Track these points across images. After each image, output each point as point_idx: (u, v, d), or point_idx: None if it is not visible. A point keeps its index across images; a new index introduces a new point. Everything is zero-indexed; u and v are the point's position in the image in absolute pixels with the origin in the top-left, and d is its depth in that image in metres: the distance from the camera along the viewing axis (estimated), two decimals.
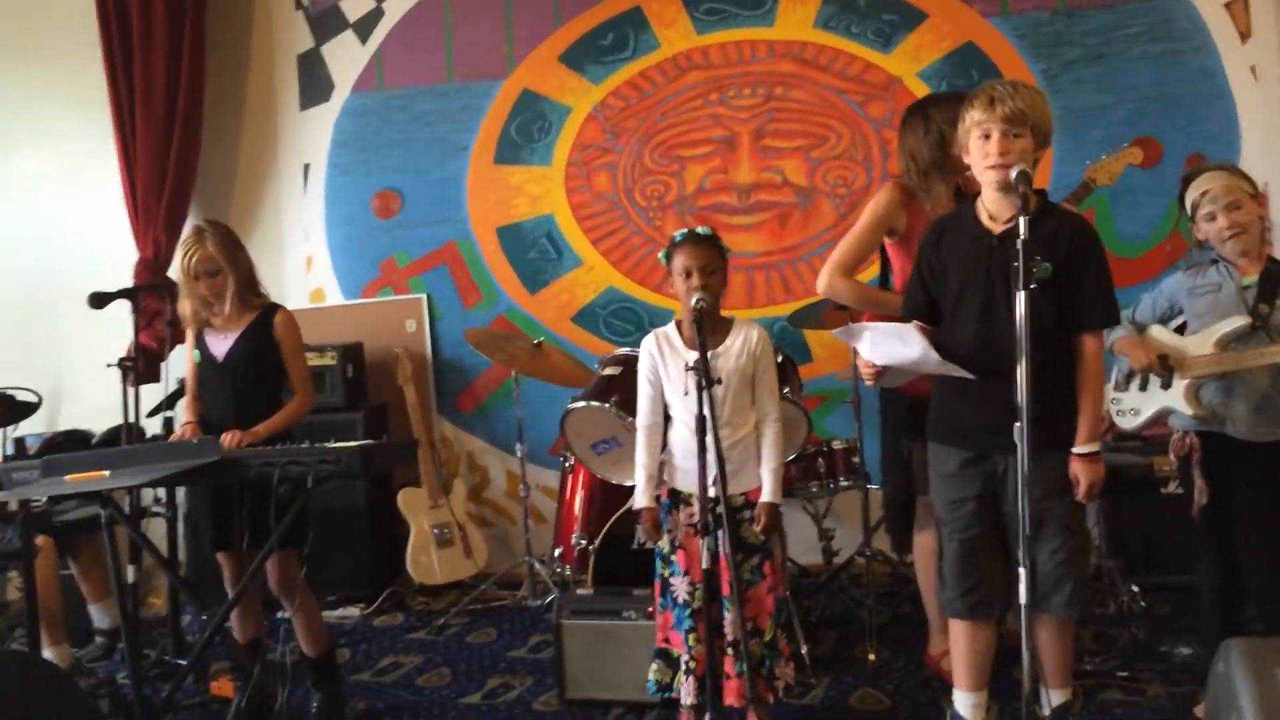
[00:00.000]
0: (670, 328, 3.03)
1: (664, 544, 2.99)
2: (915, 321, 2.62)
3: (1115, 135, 4.62)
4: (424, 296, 5.40)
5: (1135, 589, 3.80)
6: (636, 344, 3.17)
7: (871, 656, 3.70)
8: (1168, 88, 4.65)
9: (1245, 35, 4.60)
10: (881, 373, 2.66)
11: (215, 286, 3.37)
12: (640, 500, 2.99)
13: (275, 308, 3.47)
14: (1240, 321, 2.87)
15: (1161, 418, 3.06)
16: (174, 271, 3.50)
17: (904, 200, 3.19)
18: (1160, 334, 3.07)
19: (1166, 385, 3.01)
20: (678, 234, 2.99)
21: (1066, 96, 4.67)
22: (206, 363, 3.41)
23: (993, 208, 2.55)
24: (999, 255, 2.47)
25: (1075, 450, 2.51)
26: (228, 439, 3.18)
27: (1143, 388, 3.09)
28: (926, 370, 2.61)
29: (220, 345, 3.40)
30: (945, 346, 2.57)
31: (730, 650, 2.86)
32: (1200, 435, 2.96)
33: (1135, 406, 3.09)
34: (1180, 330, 3.05)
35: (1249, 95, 4.59)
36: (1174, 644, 3.52)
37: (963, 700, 2.71)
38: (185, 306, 3.42)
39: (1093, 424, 2.53)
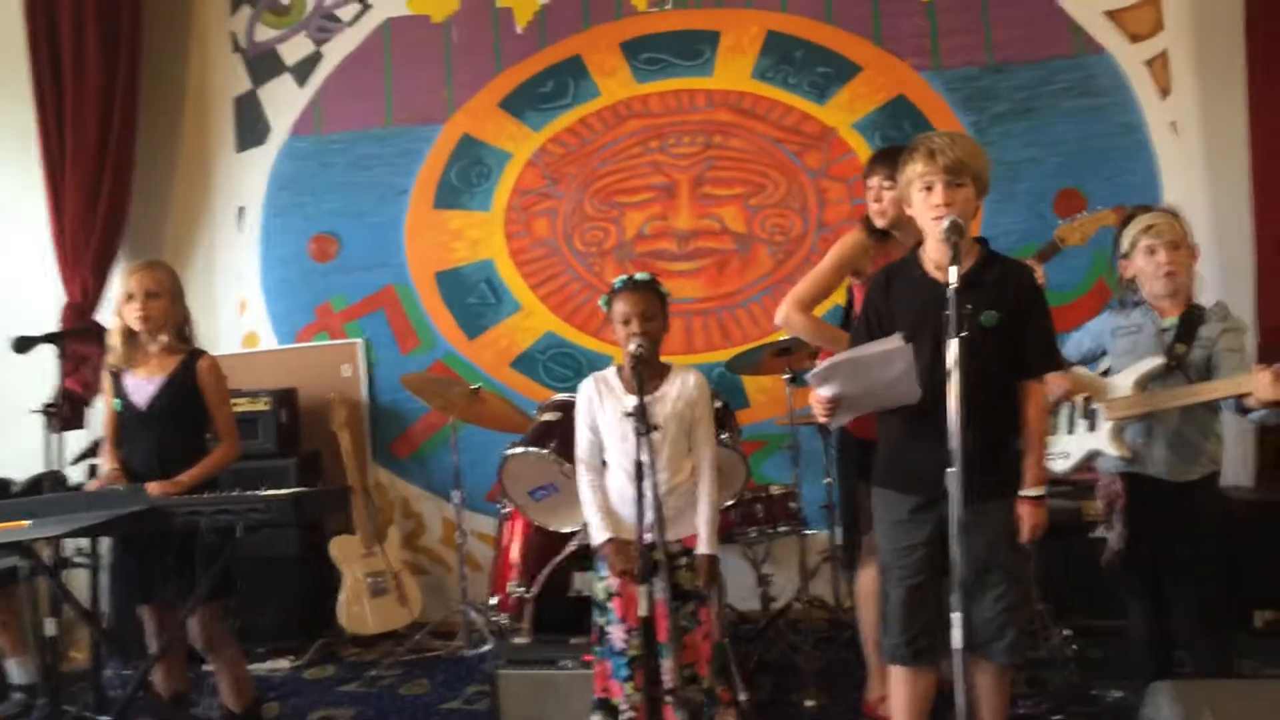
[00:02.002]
0: (610, 371, 3.03)
1: (599, 591, 2.97)
2: (899, 336, 2.51)
3: (1042, 188, 4.78)
4: (360, 341, 5.34)
5: (1067, 633, 3.84)
6: (575, 389, 3.15)
7: (809, 703, 3.69)
8: (1092, 141, 4.80)
9: (1165, 91, 4.77)
10: (835, 409, 2.65)
11: (149, 309, 3.30)
12: (599, 535, 2.94)
13: (199, 353, 3.41)
14: (1157, 361, 2.94)
15: (1090, 460, 3.11)
16: (103, 314, 3.43)
17: (871, 243, 3.25)
18: (1083, 374, 3.14)
19: (1093, 428, 3.07)
20: (617, 280, 2.99)
21: (996, 149, 4.78)
22: (128, 410, 3.33)
23: (937, 257, 2.58)
24: (948, 304, 2.49)
25: (1022, 493, 2.54)
26: (153, 489, 3.10)
27: (1070, 431, 3.15)
28: (885, 398, 2.60)
29: (142, 392, 3.32)
30: (891, 405, 2.60)
31: (669, 698, 2.83)
32: (1126, 478, 3.01)
33: (1065, 450, 3.14)
34: (1105, 374, 3.12)
35: (1170, 149, 4.75)
36: (1105, 687, 3.57)
37: None
38: (114, 338, 3.35)
39: (1038, 467, 2.57)
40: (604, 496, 2.99)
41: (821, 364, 2.61)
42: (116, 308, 3.38)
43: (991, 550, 2.52)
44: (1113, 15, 4.82)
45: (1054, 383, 3.06)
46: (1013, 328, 2.54)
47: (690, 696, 2.85)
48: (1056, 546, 4.04)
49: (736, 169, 5.10)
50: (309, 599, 4.81)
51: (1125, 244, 3.08)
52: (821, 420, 2.69)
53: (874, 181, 3.25)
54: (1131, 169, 4.76)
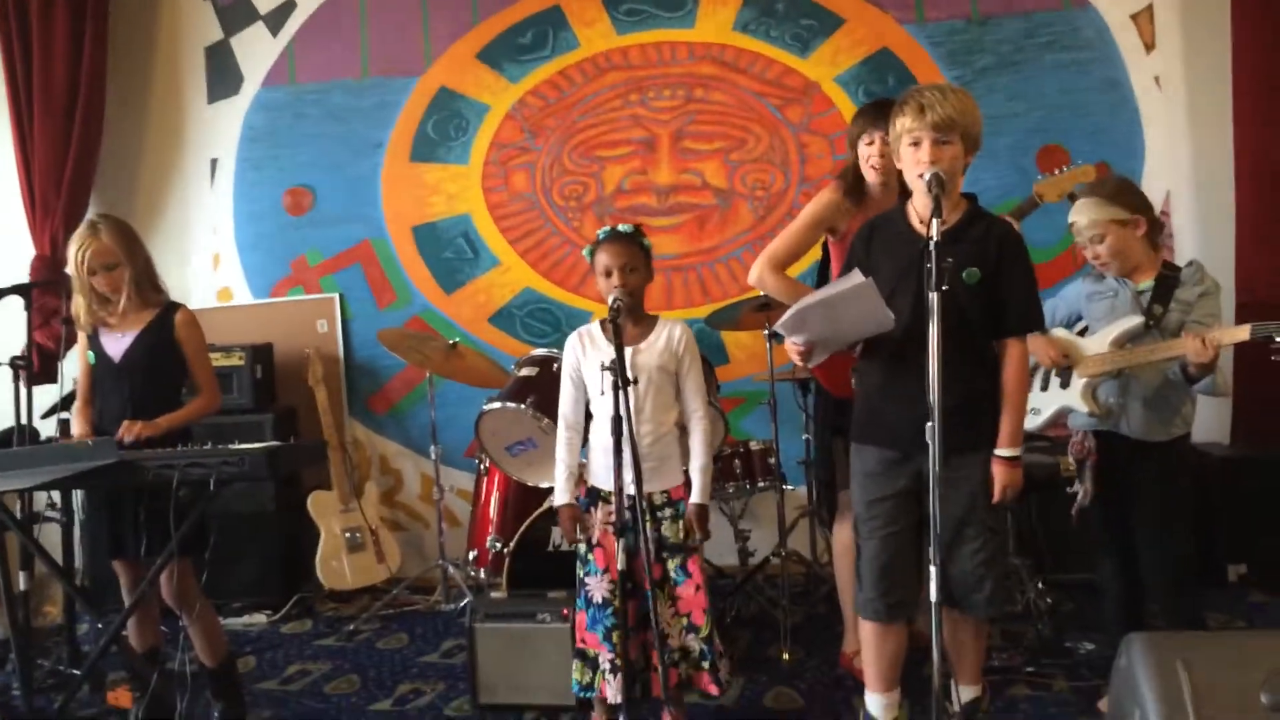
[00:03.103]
0: (594, 325, 3.00)
1: (582, 545, 2.96)
2: (868, 278, 2.46)
3: (1025, 143, 4.75)
4: (336, 296, 5.28)
5: (1041, 586, 3.87)
6: (554, 345, 3.15)
7: (786, 656, 3.71)
8: (1075, 96, 4.76)
9: (1150, 46, 4.73)
10: (810, 351, 2.64)
11: (112, 281, 3.23)
12: (560, 498, 2.95)
13: (175, 306, 3.34)
14: (1135, 320, 2.95)
15: (1061, 417, 3.12)
16: (69, 267, 3.35)
17: (846, 201, 3.21)
18: (1061, 334, 3.14)
19: (1065, 384, 3.08)
20: (601, 231, 2.97)
21: (980, 104, 4.70)
22: (101, 364, 3.27)
23: (923, 211, 2.55)
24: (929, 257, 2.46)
25: (996, 452, 2.53)
26: (126, 429, 3.06)
27: (1044, 388, 3.15)
28: (858, 332, 2.58)
29: (116, 345, 3.26)
30: (876, 344, 2.58)
31: (657, 644, 2.82)
32: (1097, 436, 3.03)
33: (1036, 406, 3.15)
34: (1082, 334, 3.12)
35: (1153, 105, 4.72)
36: (1078, 640, 3.60)
37: (875, 702, 2.72)
38: (78, 304, 3.27)
39: (1014, 428, 2.55)
40: (576, 456, 2.98)
41: (789, 312, 2.58)
42: (75, 282, 3.27)
43: (969, 504, 2.51)
44: None
45: (1043, 351, 3.05)
46: (994, 285, 2.52)
47: (689, 645, 2.86)
48: (1032, 501, 4.06)
49: (717, 123, 5.04)
50: (286, 554, 4.79)
51: None
52: (798, 364, 2.68)
53: (873, 139, 3.17)
54: (1114, 124, 4.73)
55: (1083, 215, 3.01)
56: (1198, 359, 2.74)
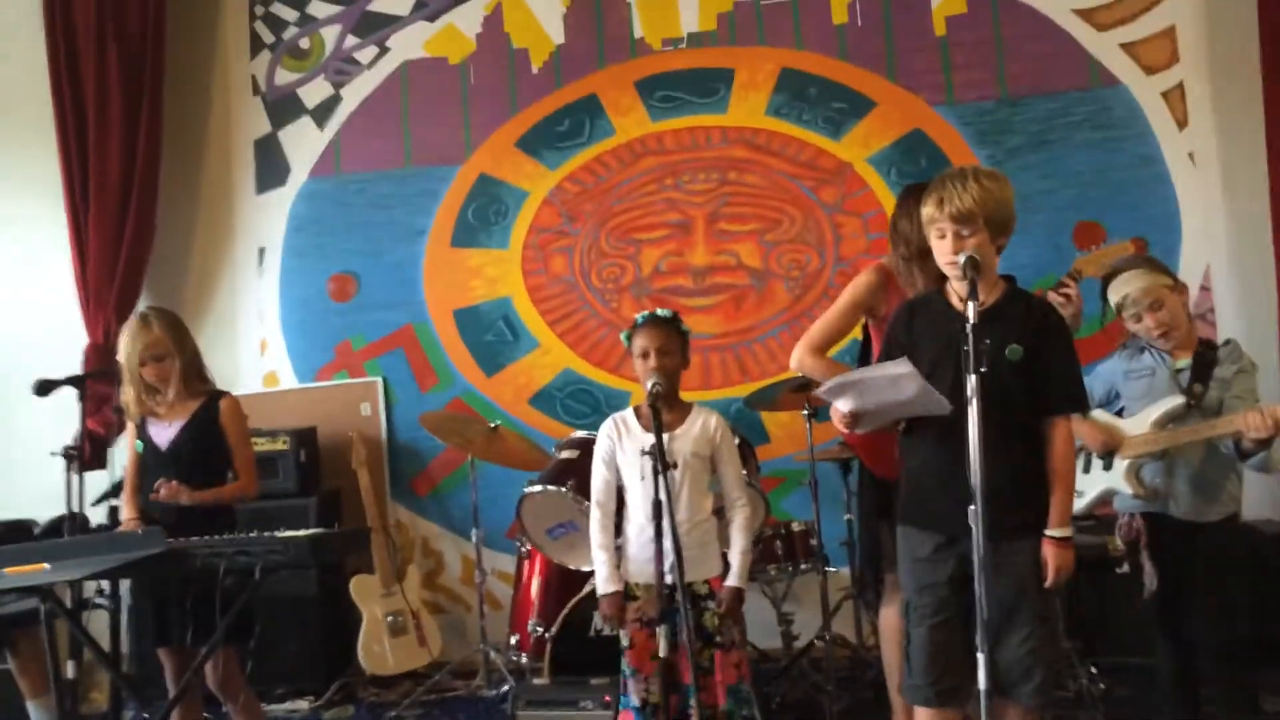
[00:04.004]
0: (628, 412, 3.03)
1: (624, 639, 2.94)
2: (905, 360, 2.49)
3: (1060, 220, 4.77)
4: (379, 380, 5.36)
5: (1094, 670, 3.78)
6: (594, 426, 3.16)
7: None
8: (1109, 173, 4.79)
9: (1182, 123, 4.76)
10: (857, 420, 2.64)
11: (161, 372, 3.32)
12: (604, 586, 2.94)
13: (220, 394, 3.42)
14: (1176, 401, 2.93)
15: (1105, 499, 3.08)
16: (120, 357, 3.44)
17: (885, 283, 3.23)
18: (1102, 416, 3.11)
19: (1108, 467, 3.05)
20: (639, 316, 3.01)
21: (1012, 182, 4.74)
22: (150, 452, 3.35)
23: (961, 291, 2.56)
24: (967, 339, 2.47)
25: (1047, 533, 2.49)
26: (165, 485, 3.11)
27: (1086, 470, 3.12)
28: (908, 409, 2.57)
29: (164, 434, 3.34)
30: (919, 424, 2.58)
31: None
32: (1146, 517, 2.99)
33: (1079, 489, 3.11)
34: (1119, 415, 3.10)
35: (1188, 180, 4.74)
36: None
37: None
38: (128, 394, 3.36)
39: (1064, 507, 2.51)
40: (611, 538, 2.98)
41: (829, 382, 2.59)
42: (125, 372, 3.37)
43: (1018, 591, 2.47)
44: (1128, 47, 4.83)
45: (1090, 436, 3.03)
46: (1037, 363, 2.51)
47: None
48: (1082, 583, 3.99)
49: (752, 205, 5.11)
50: (328, 639, 4.79)
51: (1114, 307, 3.07)
52: (842, 432, 2.66)
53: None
54: (1150, 200, 4.75)
55: (1134, 284, 2.99)
56: (1256, 433, 2.70)
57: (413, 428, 5.17)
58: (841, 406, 2.60)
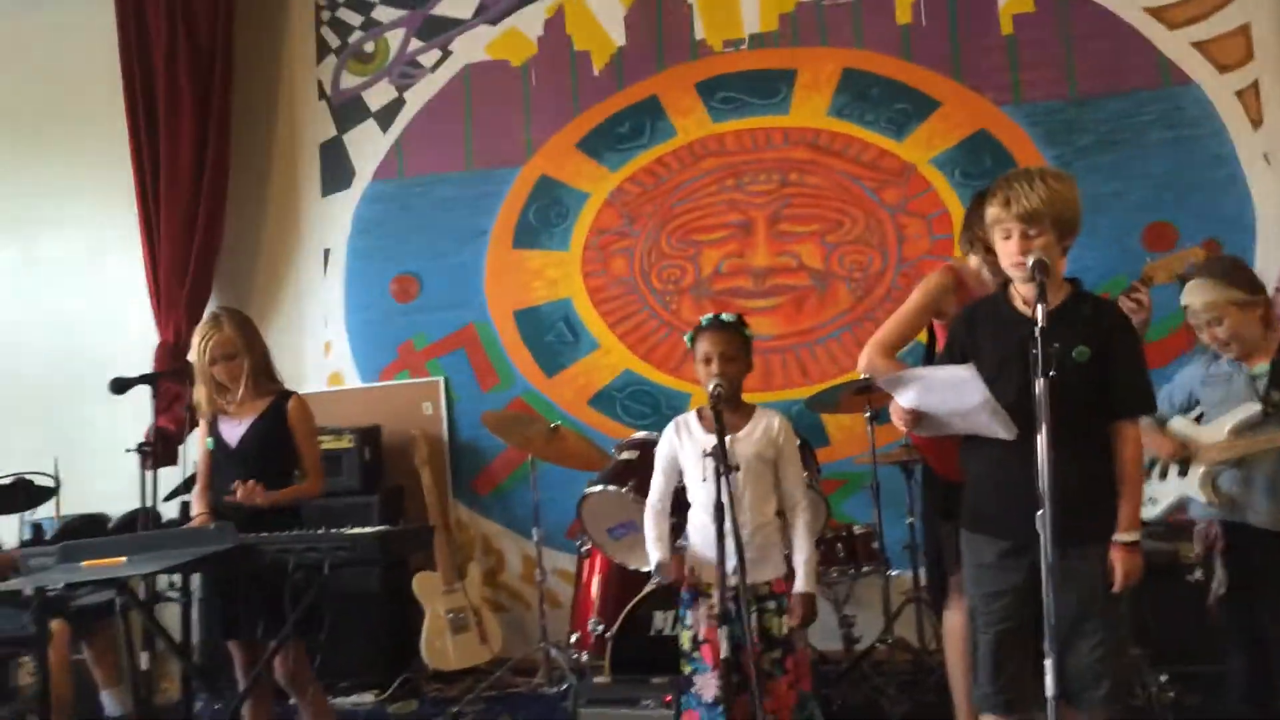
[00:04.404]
0: (691, 415, 3.03)
1: (685, 639, 2.94)
2: (972, 365, 2.46)
3: (1129, 222, 4.69)
4: (441, 379, 5.42)
5: (1164, 678, 3.71)
6: (653, 427, 3.18)
7: None
8: (1181, 174, 4.70)
9: (1257, 123, 4.66)
10: (918, 419, 2.61)
11: (231, 371, 3.39)
12: (656, 555, 2.95)
13: (289, 394, 3.49)
14: (1253, 408, 2.87)
15: (1179, 506, 3.03)
16: (191, 356, 3.53)
17: (955, 284, 3.20)
18: (1179, 424, 3.06)
19: (1184, 473, 2.99)
20: (703, 319, 2.99)
21: (1080, 183, 4.61)
22: (220, 450, 3.42)
23: (1026, 292, 2.53)
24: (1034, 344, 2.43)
25: (1115, 538, 2.45)
26: (241, 488, 3.19)
27: (1162, 476, 3.06)
28: (966, 424, 2.54)
29: (233, 432, 3.42)
30: (981, 431, 2.55)
31: None
32: (1224, 524, 2.93)
33: (1153, 495, 3.06)
34: (1198, 421, 3.04)
35: (1263, 181, 4.63)
36: None
37: None
38: (200, 393, 3.43)
39: (1133, 511, 2.46)
40: (665, 528, 2.99)
41: (890, 375, 2.56)
42: (197, 371, 3.45)
43: (1088, 597, 2.43)
44: (1200, 45, 4.73)
45: (1161, 446, 2.98)
46: (1104, 366, 2.47)
47: None
48: (1153, 590, 3.91)
49: (813, 206, 5.09)
50: (392, 634, 4.87)
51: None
52: (900, 429, 2.63)
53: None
54: (1223, 201, 4.65)
55: (1197, 297, 2.95)
56: None
57: (474, 427, 5.22)
58: (901, 401, 2.57)
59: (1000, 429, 2.42)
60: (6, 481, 4.38)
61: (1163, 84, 4.74)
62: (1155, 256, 3.49)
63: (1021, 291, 2.55)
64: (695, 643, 2.91)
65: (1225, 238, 4.50)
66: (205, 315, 3.52)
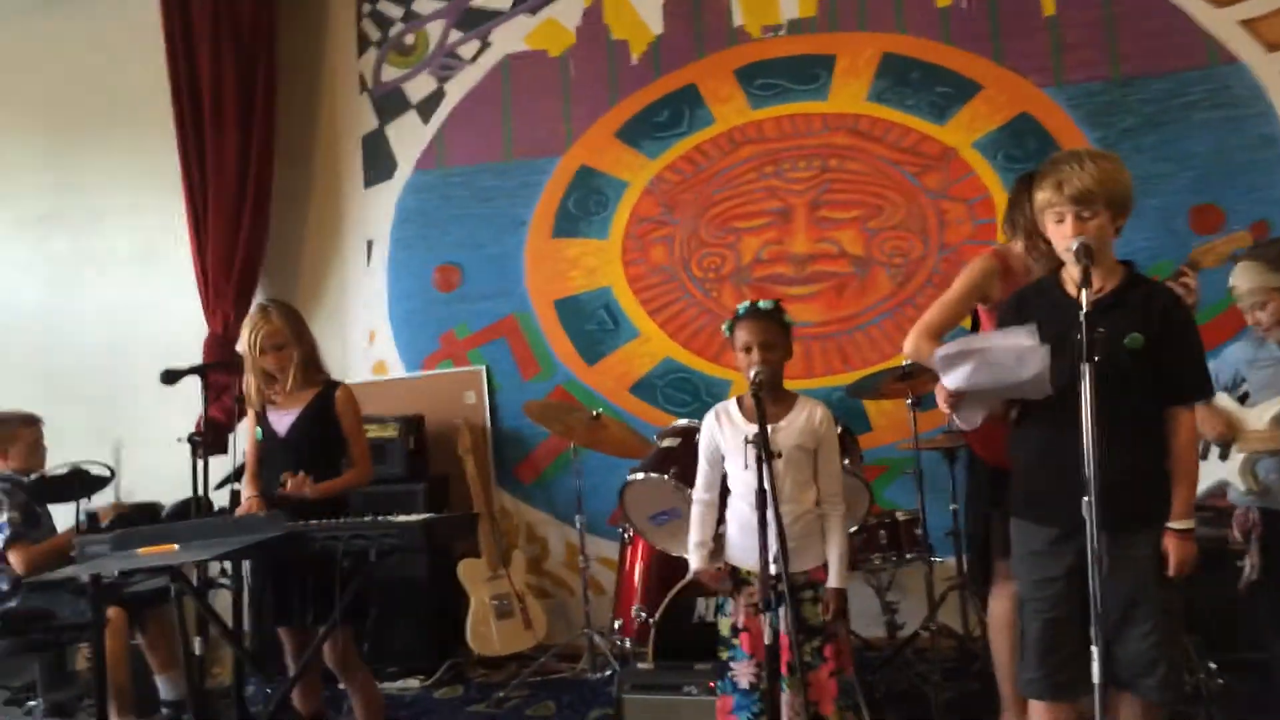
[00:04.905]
0: (731, 402, 3.03)
1: (724, 626, 2.96)
2: (1036, 337, 2.40)
3: (1176, 204, 4.62)
4: (483, 368, 5.47)
5: (1213, 666, 3.68)
6: (694, 415, 3.19)
7: None
8: (1228, 155, 4.62)
9: None
10: (958, 402, 2.58)
11: (280, 361, 3.46)
12: (696, 564, 2.96)
13: (336, 384, 3.55)
14: None
15: (1218, 490, 3.00)
16: (240, 347, 3.59)
17: (1000, 269, 3.18)
18: (1225, 401, 3.02)
19: (1224, 457, 2.96)
20: (741, 307, 2.97)
21: (1125, 164, 4.64)
22: (269, 439, 3.49)
23: (1078, 277, 2.50)
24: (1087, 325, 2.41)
25: (1169, 525, 2.43)
26: (291, 480, 3.24)
27: (1203, 457, 3.03)
28: (1018, 390, 2.49)
29: (282, 422, 3.48)
30: (1033, 415, 2.53)
31: None
32: (1262, 511, 2.90)
33: None
34: (1243, 400, 3.00)
35: None
36: None
37: None
38: (249, 384, 3.50)
39: (1187, 499, 2.44)
40: (709, 532, 2.98)
41: (946, 347, 2.51)
42: (247, 361, 3.51)
43: (1140, 584, 2.41)
44: (1247, 24, 4.65)
45: (1208, 424, 2.94)
46: (1159, 351, 2.44)
47: None
48: (1202, 576, 3.87)
49: (853, 191, 5.07)
50: (438, 620, 4.93)
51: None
52: (944, 410, 2.61)
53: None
54: (1272, 183, 4.56)
55: (1243, 281, 2.92)
56: None
57: (516, 415, 5.27)
58: (948, 384, 2.55)
59: (1037, 392, 2.40)
60: (62, 471, 4.48)
61: (1209, 63, 4.66)
62: (1202, 240, 3.45)
63: (1073, 275, 2.52)
64: (734, 630, 2.93)
65: (1273, 219, 4.43)
66: (253, 307, 3.59)
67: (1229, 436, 2.95)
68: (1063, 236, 2.44)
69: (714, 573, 2.94)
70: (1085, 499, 2.20)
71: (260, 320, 3.47)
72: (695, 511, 3.01)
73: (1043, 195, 2.47)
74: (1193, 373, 2.48)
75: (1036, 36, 4.88)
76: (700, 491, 3.01)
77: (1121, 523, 2.22)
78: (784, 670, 2.76)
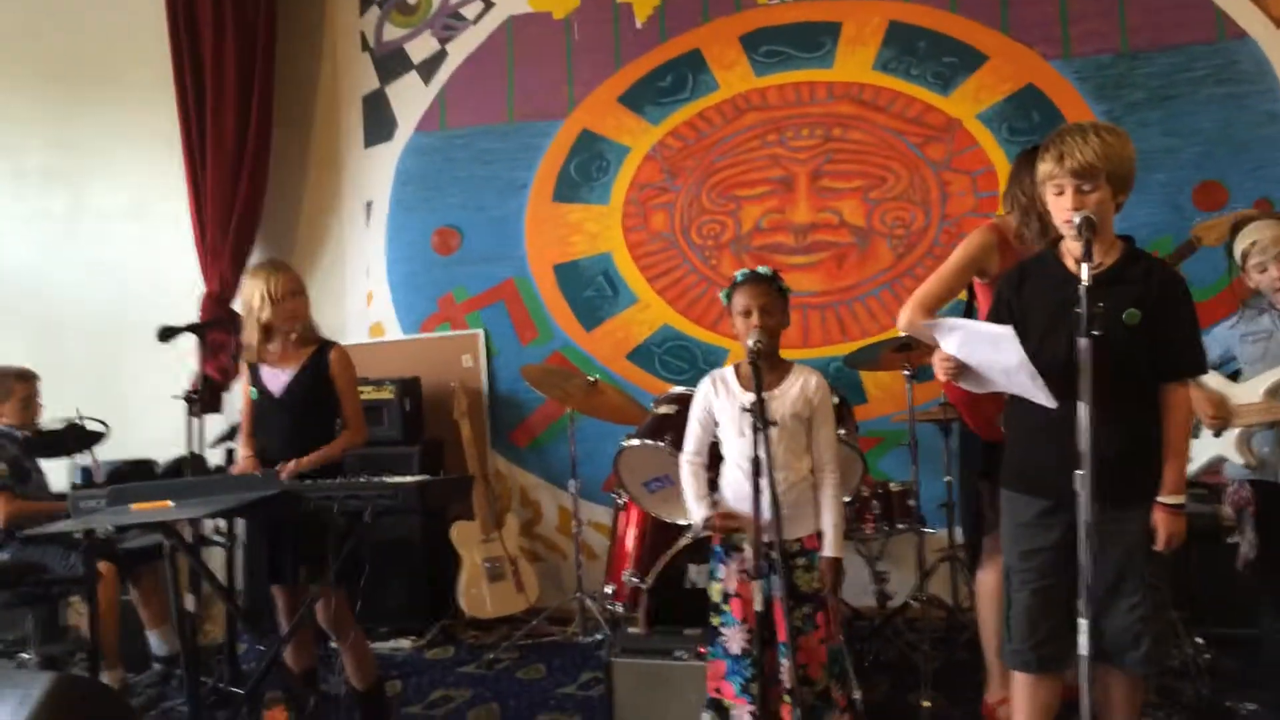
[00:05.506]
0: (728, 370, 3.02)
1: (715, 592, 2.97)
2: (1011, 327, 2.42)
3: (1180, 180, 4.59)
4: (481, 332, 5.46)
5: (1200, 641, 3.70)
6: (691, 382, 3.17)
7: (926, 704, 3.63)
8: (1233, 131, 4.59)
9: None
10: (960, 371, 2.57)
11: (298, 307, 3.46)
12: (699, 514, 2.96)
13: (330, 344, 3.53)
14: None
15: (1214, 466, 3.01)
16: (238, 304, 3.58)
17: (998, 243, 3.17)
18: (1214, 380, 3.02)
19: (1218, 433, 2.96)
20: (739, 273, 2.97)
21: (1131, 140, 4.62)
22: (264, 399, 3.49)
23: (1077, 252, 2.49)
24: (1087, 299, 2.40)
25: (1159, 500, 2.44)
26: (284, 468, 3.24)
27: (1195, 435, 3.03)
28: (1009, 383, 2.49)
29: (277, 381, 3.47)
30: (1023, 394, 2.53)
31: (787, 698, 2.81)
32: (1255, 485, 2.90)
33: (1189, 454, 3.03)
34: (1234, 377, 3.00)
35: None
36: (1239, 700, 3.43)
37: None
38: (250, 336, 3.49)
39: (1178, 475, 2.44)
40: (705, 485, 2.99)
41: (935, 320, 2.54)
42: (252, 308, 3.49)
43: (1127, 557, 2.42)
44: None
45: (1200, 408, 2.94)
46: (1156, 327, 2.43)
47: (803, 697, 2.82)
48: (1190, 552, 3.89)
49: (856, 161, 5.04)
50: (430, 582, 4.95)
51: (1238, 257, 2.96)
52: (942, 379, 2.61)
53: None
54: (1276, 160, 4.53)
55: (1265, 232, 2.90)
56: None
57: (513, 380, 5.27)
58: (945, 347, 2.54)
59: (1041, 395, 2.40)
60: (58, 426, 4.49)
61: (1216, 38, 4.62)
62: (1205, 216, 3.43)
63: (1072, 249, 2.51)
64: (725, 596, 2.94)
65: (1277, 197, 4.40)
66: (255, 265, 3.58)
67: (1220, 422, 2.94)
68: (1062, 209, 2.42)
69: (721, 515, 2.94)
70: (1078, 472, 2.20)
71: (272, 271, 3.48)
72: (687, 470, 3.01)
73: (1045, 167, 2.45)
74: (1189, 349, 2.48)
75: (1044, 7, 4.83)
76: (690, 454, 3.01)
77: (1112, 497, 2.22)
78: (781, 637, 2.77)
